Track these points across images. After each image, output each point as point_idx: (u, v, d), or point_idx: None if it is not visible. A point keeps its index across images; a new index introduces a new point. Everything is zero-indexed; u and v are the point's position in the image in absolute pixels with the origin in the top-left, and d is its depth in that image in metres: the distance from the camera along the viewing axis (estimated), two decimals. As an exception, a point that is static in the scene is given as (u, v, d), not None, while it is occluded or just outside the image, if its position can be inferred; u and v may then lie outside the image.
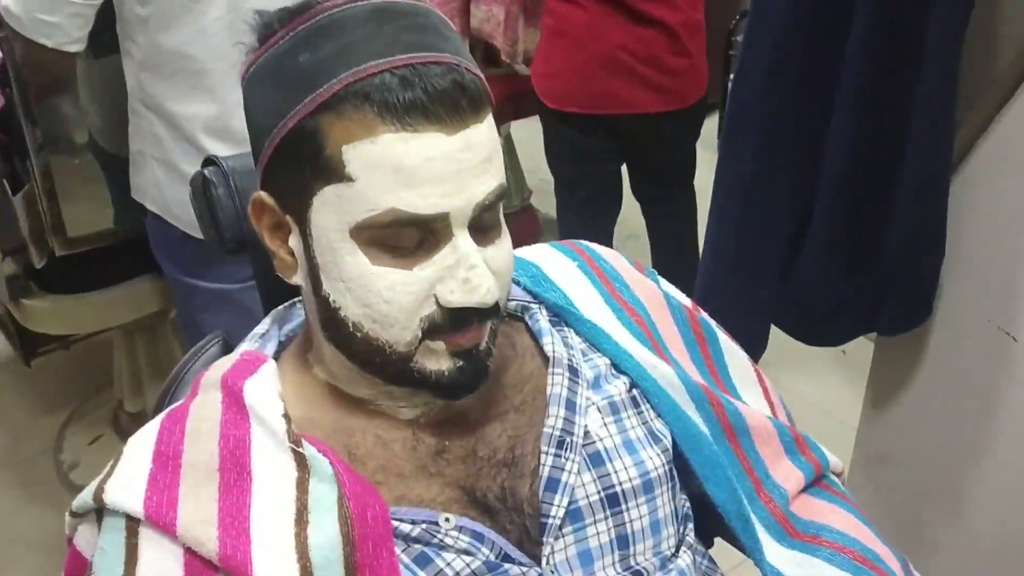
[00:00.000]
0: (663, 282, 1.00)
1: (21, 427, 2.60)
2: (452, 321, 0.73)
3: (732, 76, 3.82)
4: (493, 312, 0.75)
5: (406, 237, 0.71)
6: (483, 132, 0.72)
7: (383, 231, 0.70)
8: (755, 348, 1.23)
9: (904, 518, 1.44)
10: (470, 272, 0.71)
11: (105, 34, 1.58)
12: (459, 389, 0.77)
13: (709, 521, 0.91)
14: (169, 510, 0.71)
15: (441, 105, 0.69)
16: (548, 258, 0.95)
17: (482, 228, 0.74)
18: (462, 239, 0.72)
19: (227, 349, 0.97)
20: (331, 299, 0.74)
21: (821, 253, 1.26)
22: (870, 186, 1.19)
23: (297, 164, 0.72)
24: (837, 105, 1.16)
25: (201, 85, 1.53)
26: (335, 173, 0.70)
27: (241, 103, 1.54)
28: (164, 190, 1.62)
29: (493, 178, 0.73)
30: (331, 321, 0.75)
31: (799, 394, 2.36)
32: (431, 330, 0.73)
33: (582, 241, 1.00)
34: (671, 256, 2.54)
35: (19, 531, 2.26)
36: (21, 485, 2.41)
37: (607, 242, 2.60)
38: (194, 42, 1.50)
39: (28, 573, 2.15)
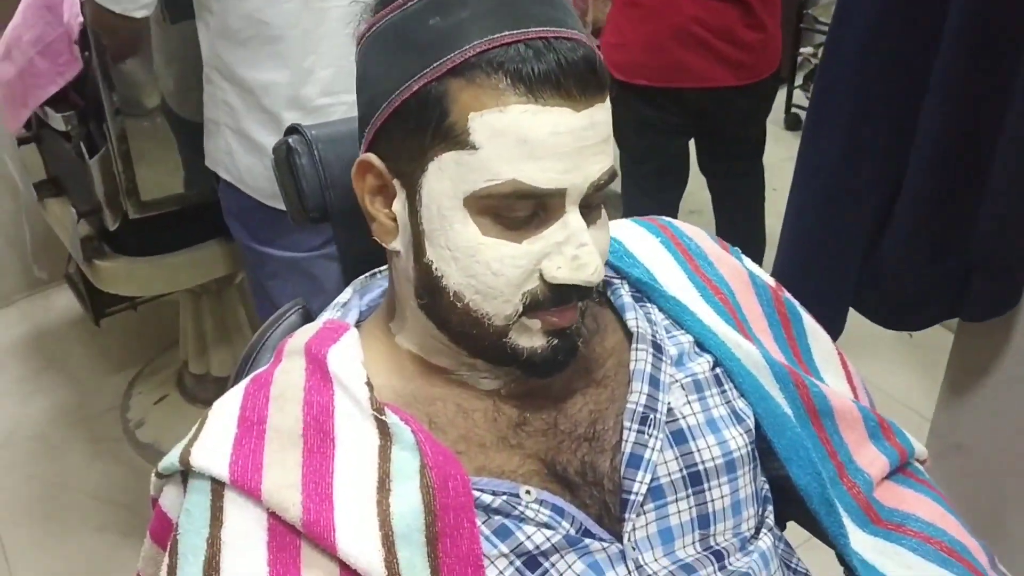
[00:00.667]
0: (747, 260, 0.98)
1: (90, 385, 2.67)
2: (553, 297, 0.73)
3: (813, 51, 3.73)
4: (591, 292, 0.75)
5: (519, 209, 0.71)
6: (605, 111, 0.72)
7: (499, 202, 0.70)
8: (832, 332, 1.20)
9: (979, 510, 1.40)
10: (580, 250, 0.71)
11: (182, 1, 1.59)
12: (550, 367, 0.76)
13: (786, 505, 0.90)
14: (254, 474, 0.72)
15: (572, 80, 0.68)
16: (631, 233, 0.94)
17: (590, 207, 0.74)
18: (573, 216, 0.71)
19: (307, 317, 0.98)
20: (434, 266, 0.74)
21: (908, 235, 1.22)
22: (962, 167, 1.15)
23: (417, 127, 0.71)
24: (931, 85, 1.12)
25: (274, 52, 1.53)
26: (458, 140, 0.70)
27: (313, 69, 1.56)
28: (237, 159, 1.63)
29: (608, 157, 0.72)
30: (430, 289, 0.75)
31: (867, 380, 2.30)
32: (531, 305, 0.73)
33: (664, 217, 0.98)
34: (737, 233, 2.50)
35: (87, 485, 2.33)
36: (89, 441, 2.48)
37: (672, 216, 2.55)
38: (268, 8, 1.50)
39: (95, 525, 2.21)
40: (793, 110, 3.85)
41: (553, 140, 0.68)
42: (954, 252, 1.22)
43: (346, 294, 0.90)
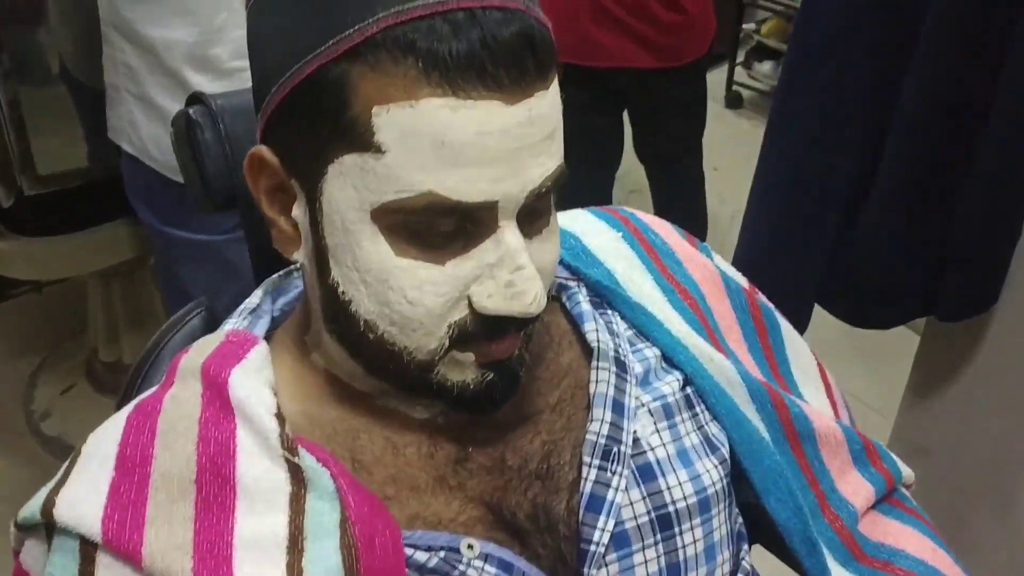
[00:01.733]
0: (718, 258, 0.87)
1: (-9, 372, 2.48)
2: (486, 329, 0.60)
3: (756, 28, 3.66)
4: (533, 319, 0.62)
5: (440, 226, 0.57)
6: (549, 101, 0.57)
7: (413, 218, 0.56)
8: (796, 328, 1.10)
9: (945, 515, 1.33)
10: (515, 274, 0.58)
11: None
12: (485, 404, 0.63)
13: (760, 534, 0.79)
14: (133, 532, 0.58)
15: (503, 64, 0.54)
16: (588, 227, 0.82)
17: (531, 218, 0.60)
18: (509, 232, 0.58)
19: (211, 320, 0.84)
20: (340, 290, 0.61)
21: (881, 225, 1.12)
22: (942, 152, 1.05)
23: (312, 120, 0.57)
24: (912, 64, 1.02)
25: (181, 7, 1.38)
26: (360, 139, 0.55)
27: (224, 27, 1.40)
28: (140, 128, 1.47)
29: (553, 158, 0.59)
30: (338, 314, 0.62)
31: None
32: (460, 339, 0.60)
33: (625, 207, 0.86)
34: (674, 219, 2.41)
35: (-13, 481, 2.15)
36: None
37: (607, 197, 2.48)
38: None
39: (-5, 526, 2.04)
40: (734, 88, 3.78)
41: (479, 142, 0.54)
42: (931, 244, 1.13)
43: (255, 297, 0.75)
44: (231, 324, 0.73)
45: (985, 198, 1.06)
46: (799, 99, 1.13)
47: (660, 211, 2.50)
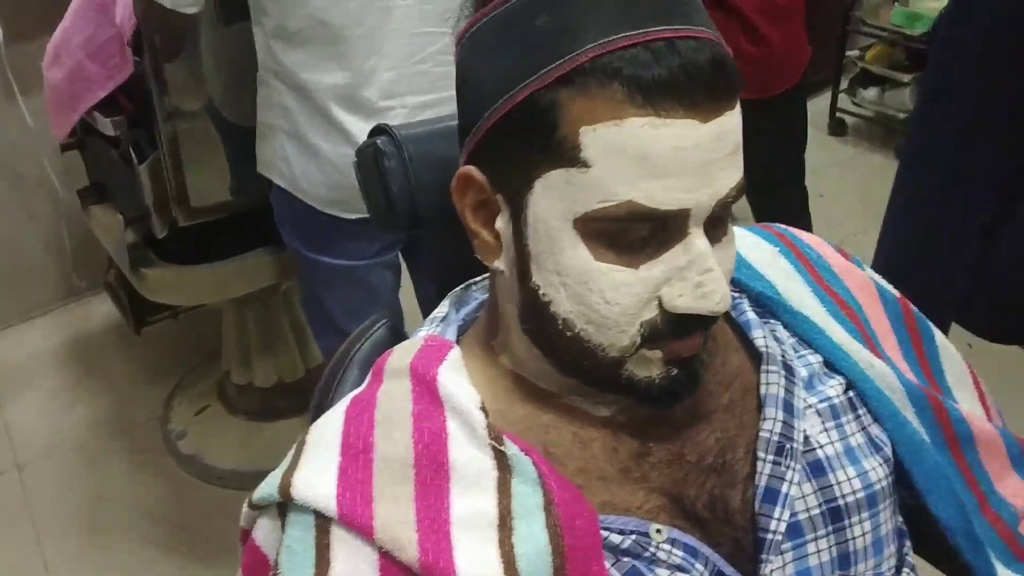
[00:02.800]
0: (869, 270, 0.91)
1: (129, 395, 2.62)
2: (675, 328, 0.66)
3: (860, 54, 3.63)
4: (716, 320, 0.68)
5: (637, 232, 0.64)
6: (735, 118, 0.64)
7: (613, 224, 0.63)
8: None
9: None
10: (705, 276, 0.64)
11: (236, 2, 1.54)
12: (670, 399, 0.69)
13: (919, 539, 0.82)
14: (364, 508, 0.65)
15: (698, 87, 0.61)
16: (747, 242, 0.87)
17: (715, 226, 0.66)
18: (698, 238, 0.64)
19: (396, 331, 0.91)
20: (541, 291, 0.67)
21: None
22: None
23: (522, 141, 0.65)
24: None
25: (335, 53, 1.48)
26: (568, 156, 0.62)
27: (375, 71, 1.50)
28: (292, 163, 1.58)
29: (738, 170, 0.65)
30: (536, 315, 0.69)
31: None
32: (651, 336, 0.66)
33: (779, 224, 0.91)
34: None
35: (127, 498, 2.28)
36: (129, 452, 2.43)
37: None
38: (330, 7, 1.44)
39: (136, 539, 2.16)
40: (838, 114, 3.77)
41: (676, 156, 0.61)
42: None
43: (443, 307, 0.83)
44: (425, 330, 0.80)
45: None
46: (943, 114, 1.15)
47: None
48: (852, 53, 3.71)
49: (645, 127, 0.60)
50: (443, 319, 0.81)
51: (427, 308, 0.86)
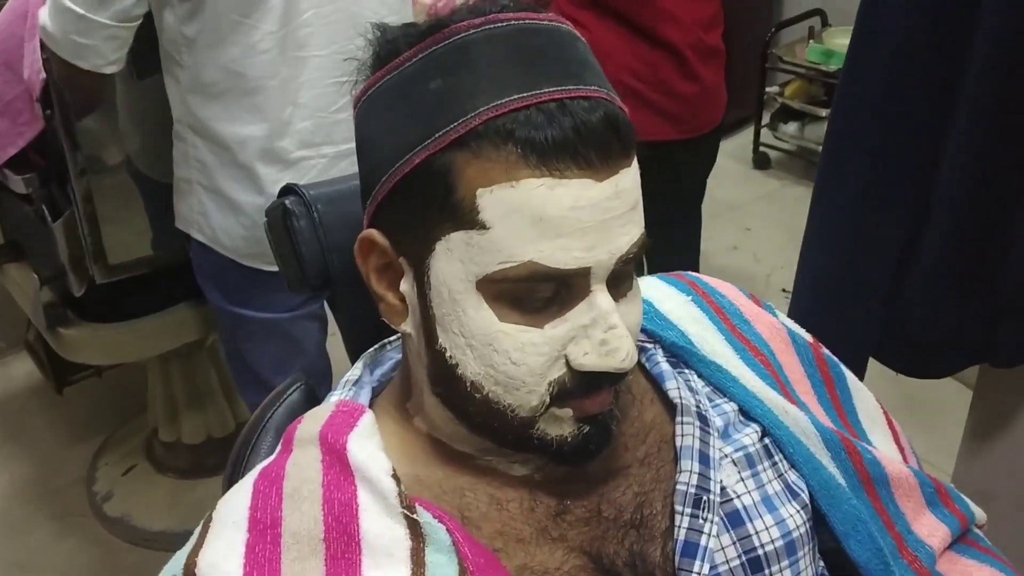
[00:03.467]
0: (781, 315, 0.92)
1: (53, 457, 2.54)
2: (583, 385, 0.66)
3: (779, 90, 3.71)
4: (625, 376, 0.68)
5: (539, 292, 0.64)
6: (632, 176, 0.65)
7: (515, 285, 0.63)
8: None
9: (1011, 558, 1.35)
10: (608, 333, 0.64)
11: (150, 56, 1.52)
12: (583, 456, 0.69)
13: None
14: None
15: (592, 147, 0.61)
16: (659, 292, 0.87)
17: (618, 281, 0.67)
18: (600, 295, 0.64)
19: (311, 395, 0.89)
20: (448, 354, 0.67)
21: (933, 276, 1.16)
22: (991, 204, 1.10)
23: (421, 204, 0.64)
24: (959, 115, 1.07)
25: (251, 104, 1.46)
26: (466, 218, 0.63)
27: (291, 121, 1.49)
28: (211, 217, 1.55)
29: (637, 227, 0.66)
30: (445, 378, 0.68)
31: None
32: (560, 395, 0.66)
33: (691, 272, 0.92)
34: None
35: (53, 564, 2.20)
36: (53, 517, 2.35)
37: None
38: (244, 59, 1.43)
39: (62, 607, 2.08)
40: (761, 149, 3.85)
41: (574, 216, 0.61)
42: (983, 293, 1.17)
43: (356, 369, 0.81)
44: (337, 395, 0.78)
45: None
46: (848, 156, 1.18)
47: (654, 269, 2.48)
48: (772, 89, 3.80)
49: (541, 188, 0.61)
50: (356, 382, 0.80)
51: (356, 359, 0.85)
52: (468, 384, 0.66)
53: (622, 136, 0.63)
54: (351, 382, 0.80)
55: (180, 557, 0.67)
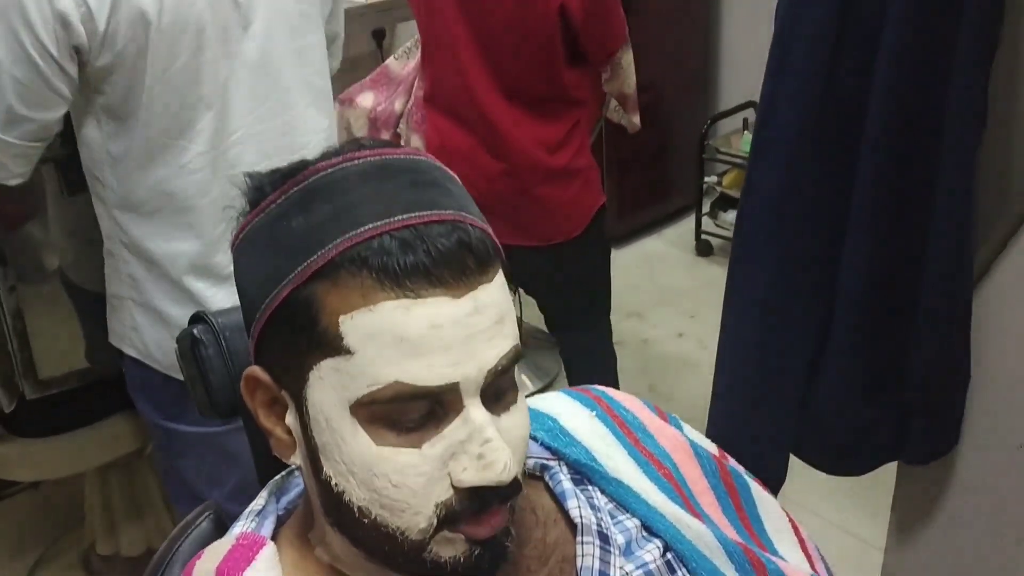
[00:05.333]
0: (687, 428, 0.94)
1: (-13, 573, 2.45)
2: (472, 505, 0.66)
3: (717, 180, 3.81)
4: (513, 490, 0.68)
5: (412, 411, 0.65)
6: (493, 292, 0.66)
7: (386, 407, 0.64)
8: (774, 481, 1.16)
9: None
10: (484, 447, 0.65)
11: (79, 172, 1.53)
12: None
13: None
14: None
15: (446, 267, 0.63)
16: (564, 409, 0.89)
17: (495, 395, 0.68)
18: (474, 410, 0.65)
19: (219, 523, 0.89)
20: (333, 482, 0.68)
21: (840, 377, 1.20)
22: (888, 307, 1.14)
23: (291, 337, 0.66)
24: (852, 222, 1.12)
25: (183, 222, 1.47)
26: (332, 346, 0.64)
27: (224, 237, 1.50)
28: (143, 333, 1.55)
29: (506, 340, 0.67)
30: (334, 506, 0.69)
31: (817, 513, 2.29)
32: (449, 518, 0.66)
33: (597, 387, 0.94)
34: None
35: None
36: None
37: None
38: (175, 179, 1.44)
39: None
40: (703, 236, 3.93)
41: (434, 334, 0.63)
42: (888, 393, 1.20)
43: (260, 499, 0.81)
44: (240, 527, 0.78)
45: (930, 349, 1.15)
46: (752, 264, 1.22)
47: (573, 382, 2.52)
48: (710, 179, 3.90)
49: (397, 310, 0.62)
50: (260, 512, 0.80)
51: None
52: (356, 510, 0.67)
53: (477, 255, 0.65)
54: (255, 512, 0.80)
55: None
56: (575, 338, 2.47)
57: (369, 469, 0.65)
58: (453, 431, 0.65)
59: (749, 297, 1.22)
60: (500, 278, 0.68)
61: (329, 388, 0.65)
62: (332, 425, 0.66)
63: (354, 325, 0.63)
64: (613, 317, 2.55)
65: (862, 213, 1.10)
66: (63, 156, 1.53)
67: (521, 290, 2.47)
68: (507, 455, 0.65)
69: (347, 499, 0.67)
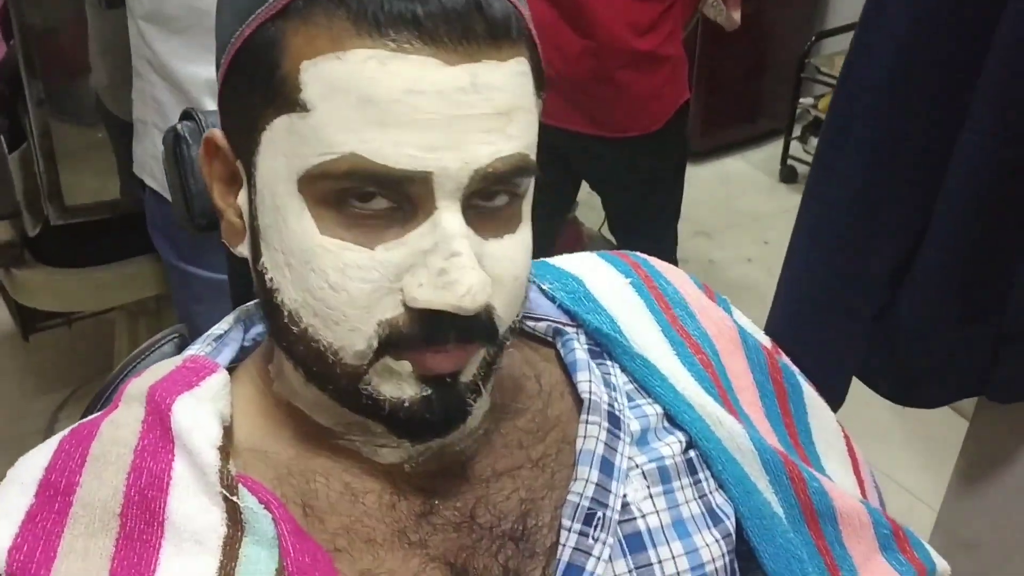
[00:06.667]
0: (738, 314, 0.79)
1: (16, 405, 2.46)
2: (422, 331, 0.52)
3: (813, 102, 3.58)
4: (482, 331, 0.54)
5: (368, 200, 0.51)
6: (504, 75, 0.51)
7: (338, 185, 0.51)
8: (830, 403, 1.01)
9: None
10: (449, 262, 0.50)
11: (119, -18, 1.42)
12: (422, 427, 0.56)
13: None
14: (41, 567, 0.52)
15: (443, 21, 0.49)
16: (594, 271, 0.75)
17: (485, 211, 0.53)
18: (447, 215, 0.51)
19: (182, 347, 0.78)
20: (268, 275, 0.55)
21: (929, 293, 1.03)
22: (1001, 217, 0.96)
23: (248, 87, 0.53)
24: (971, 118, 0.94)
25: (210, 43, 1.35)
26: (288, 98, 0.51)
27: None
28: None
29: (510, 141, 0.52)
30: (268, 307, 0.57)
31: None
32: (392, 341, 0.53)
33: (639, 253, 0.79)
34: None
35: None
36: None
37: (550, 244, 2.34)
38: None
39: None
40: (789, 162, 3.71)
41: (410, 101, 0.49)
42: (985, 318, 1.03)
43: (224, 323, 0.70)
44: (194, 350, 0.67)
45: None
46: (844, 155, 1.05)
47: None
48: (806, 101, 3.66)
49: (370, 61, 0.49)
50: (219, 337, 0.68)
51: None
52: (286, 315, 0.55)
53: (491, 20, 0.50)
54: (213, 337, 0.68)
55: None
56: (637, 243, 2.32)
57: (307, 261, 0.52)
58: (417, 238, 0.51)
59: (836, 188, 1.05)
60: (522, 67, 0.53)
61: (279, 154, 0.52)
62: (277, 203, 0.53)
63: (317, 73, 0.50)
64: (680, 234, 2.39)
65: (984, 109, 0.91)
66: (102, -38, 1.41)
67: (586, 184, 2.32)
68: (476, 278, 0.51)
69: (279, 299, 0.55)
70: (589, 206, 2.83)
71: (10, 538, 0.53)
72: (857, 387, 1.21)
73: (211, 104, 1.38)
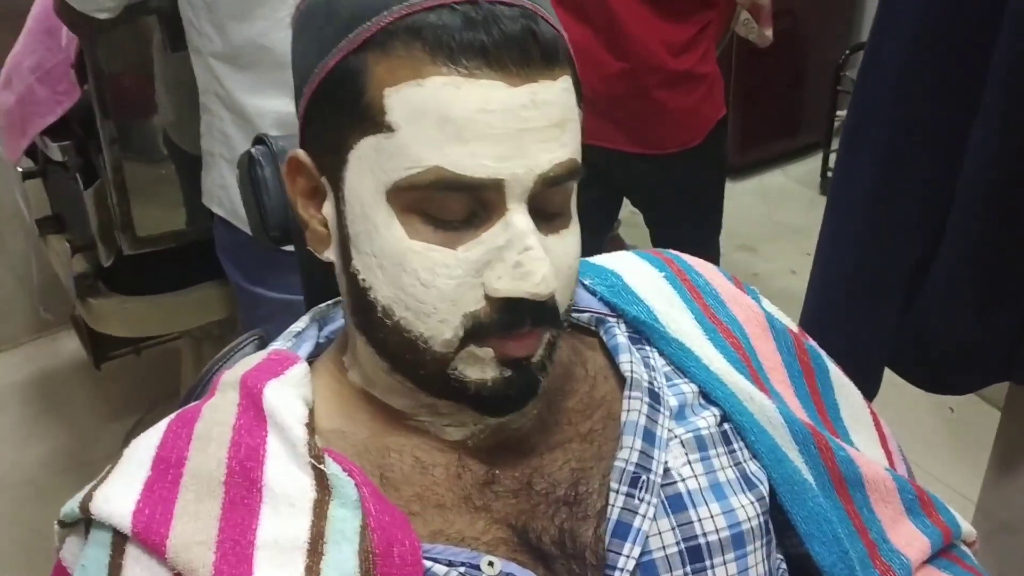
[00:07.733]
0: (765, 302, 0.86)
1: (89, 431, 2.58)
2: (502, 319, 0.61)
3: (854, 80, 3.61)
4: (550, 316, 0.63)
5: (452, 207, 0.60)
6: (556, 91, 0.60)
7: (424, 195, 0.59)
8: (864, 393, 1.06)
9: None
10: (523, 255, 0.59)
11: (183, 27, 1.52)
12: (504, 404, 0.64)
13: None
14: (161, 526, 0.60)
15: (506, 50, 0.57)
16: (631, 267, 0.82)
17: (545, 212, 0.62)
18: (517, 215, 0.59)
19: (263, 347, 0.86)
20: (360, 277, 0.63)
21: (952, 282, 1.08)
22: (1018, 206, 1.01)
23: (335, 111, 0.62)
24: (985, 103, 0.98)
25: (277, 79, 1.45)
26: (374, 121, 0.59)
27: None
28: (231, 192, 1.54)
29: (564, 148, 0.61)
30: (360, 304, 0.64)
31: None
32: (477, 331, 0.61)
33: (671, 250, 0.87)
34: None
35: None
36: (80, 489, 2.36)
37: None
38: (272, 31, 1.42)
39: None
40: (829, 175, 3.73)
41: (482, 119, 0.57)
42: (1009, 303, 1.07)
43: (302, 322, 0.78)
44: (276, 345, 0.75)
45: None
46: (863, 148, 1.10)
47: None
48: (843, 113, 3.69)
49: (447, 87, 0.57)
50: (298, 334, 0.77)
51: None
52: (380, 309, 0.63)
53: (544, 47, 0.59)
54: (293, 333, 0.77)
55: (81, 492, 0.65)
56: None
57: (399, 263, 0.60)
58: (492, 236, 0.60)
59: (858, 183, 1.11)
60: (567, 83, 0.62)
61: (367, 171, 0.61)
62: (366, 212, 0.61)
63: (400, 99, 0.58)
64: (724, 248, 2.44)
65: (998, 90, 0.96)
66: (168, 8, 1.52)
67: (627, 201, 2.38)
68: (547, 267, 0.59)
69: (372, 296, 0.63)
70: (631, 224, 2.89)
71: (133, 503, 0.62)
72: (889, 381, 1.24)
73: (275, 132, 1.48)
